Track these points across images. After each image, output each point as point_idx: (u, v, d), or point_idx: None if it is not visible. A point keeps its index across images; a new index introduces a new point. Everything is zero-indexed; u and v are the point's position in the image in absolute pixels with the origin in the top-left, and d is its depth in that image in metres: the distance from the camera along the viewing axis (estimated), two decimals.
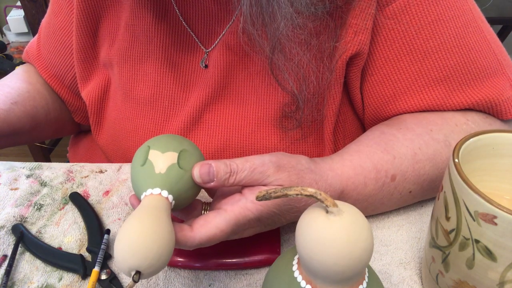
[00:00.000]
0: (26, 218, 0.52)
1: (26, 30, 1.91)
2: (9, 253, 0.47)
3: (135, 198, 0.39)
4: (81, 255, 0.46)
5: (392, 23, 0.48)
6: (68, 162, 0.66)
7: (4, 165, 0.59)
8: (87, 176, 0.57)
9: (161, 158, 0.38)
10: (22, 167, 0.59)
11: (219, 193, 0.43)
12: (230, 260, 0.45)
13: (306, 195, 0.29)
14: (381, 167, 0.45)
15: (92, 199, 0.54)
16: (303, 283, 0.32)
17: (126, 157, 0.61)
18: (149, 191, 0.36)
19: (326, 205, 0.29)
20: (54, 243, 0.49)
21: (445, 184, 0.36)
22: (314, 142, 0.54)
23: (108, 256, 0.46)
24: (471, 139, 0.37)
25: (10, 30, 1.92)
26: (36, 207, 0.53)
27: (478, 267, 0.33)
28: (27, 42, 1.89)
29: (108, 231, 0.48)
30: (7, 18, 1.88)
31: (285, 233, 0.49)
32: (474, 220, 0.32)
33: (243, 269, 0.45)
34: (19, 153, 1.89)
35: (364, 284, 0.32)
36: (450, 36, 0.48)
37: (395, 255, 0.46)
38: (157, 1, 0.54)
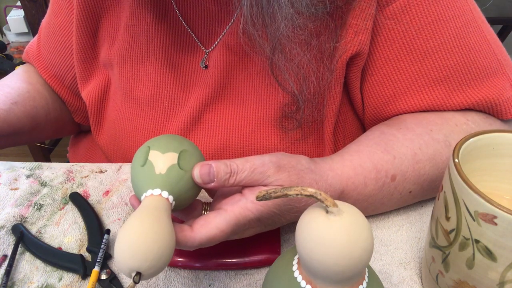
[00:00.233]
0: (26, 218, 0.52)
1: (26, 30, 1.91)
2: (9, 253, 0.48)
3: (135, 199, 0.39)
4: (81, 255, 0.46)
5: (392, 23, 0.48)
6: (68, 162, 0.66)
7: (4, 165, 0.59)
8: (87, 176, 0.57)
9: (161, 158, 0.38)
10: (22, 167, 0.59)
11: (219, 193, 0.43)
12: (230, 260, 0.45)
13: (306, 195, 0.30)
14: (381, 167, 0.45)
15: (92, 199, 0.54)
16: (303, 283, 0.32)
17: (126, 158, 0.61)
18: (149, 191, 0.36)
19: (326, 205, 0.29)
20: (54, 243, 0.49)
21: (445, 184, 0.36)
22: (314, 142, 0.54)
23: (108, 256, 0.46)
24: (471, 139, 0.37)
25: (10, 30, 1.92)
26: (36, 207, 0.53)
27: (478, 267, 0.33)
28: (27, 42, 1.89)
29: (108, 231, 0.48)
30: (7, 18, 1.88)
31: (285, 233, 0.49)
32: (474, 220, 0.32)
33: (243, 269, 0.45)
34: (19, 153, 1.89)
35: (364, 284, 0.32)
36: (450, 36, 0.48)
37: (395, 255, 0.46)
38: (157, 2, 0.54)
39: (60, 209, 0.53)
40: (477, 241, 0.32)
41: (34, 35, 0.74)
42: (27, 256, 0.47)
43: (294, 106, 0.52)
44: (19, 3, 1.82)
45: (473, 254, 0.33)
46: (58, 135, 0.74)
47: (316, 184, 0.41)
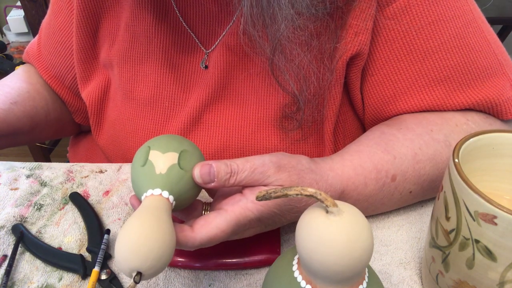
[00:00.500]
0: (26, 218, 0.52)
1: (26, 30, 1.91)
2: (9, 253, 0.48)
3: (136, 199, 0.39)
4: (81, 255, 0.46)
5: (392, 24, 0.48)
6: (68, 162, 0.66)
7: (4, 165, 0.59)
8: (87, 176, 0.57)
9: (161, 158, 0.38)
10: (22, 167, 0.59)
11: (219, 193, 0.43)
12: (230, 260, 0.45)
13: (306, 195, 0.30)
14: (382, 167, 0.45)
15: (92, 199, 0.54)
16: (303, 283, 0.32)
17: (126, 158, 0.61)
18: (149, 191, 0.36)
19: (326, 205, 0.29)
20: (54, 243, 0.49)
21: (445, 184, 0.36)
22: (314, 142, 0.54)
23: (108, 256, 0.46)
24: (471, 139, 0.37)
25: (10, 30, 1.92)
26: (36, 207, 0.53)
27: (478, 267, 0.33)
28: (27, 42, 1.89)
29: (108, 231, 0.48)
30: (7, 18, 1.88)
31: (285, 233, 0.49)
32: (474, 220, 0.32)
33: (243, 269, 0.45)
34: (19, 153, 1.89)
35: (364, 284, 0.32)
36: (450, 36, 0.48)
37: (395, 255, 0.46)
38: (157, 2, 0.54)
39: (60, 209, 0.53)
40: (477, 241, 0.32)
41: (34, 35, 0.74)
42: (27, 256, 0.47)
43: (294, 107, 0.52)
44: (19, 3, 1.82)
45: (473, 254, 0.33)
46: (59, 136, 0.74)
47: (316, 184, 0.41)
